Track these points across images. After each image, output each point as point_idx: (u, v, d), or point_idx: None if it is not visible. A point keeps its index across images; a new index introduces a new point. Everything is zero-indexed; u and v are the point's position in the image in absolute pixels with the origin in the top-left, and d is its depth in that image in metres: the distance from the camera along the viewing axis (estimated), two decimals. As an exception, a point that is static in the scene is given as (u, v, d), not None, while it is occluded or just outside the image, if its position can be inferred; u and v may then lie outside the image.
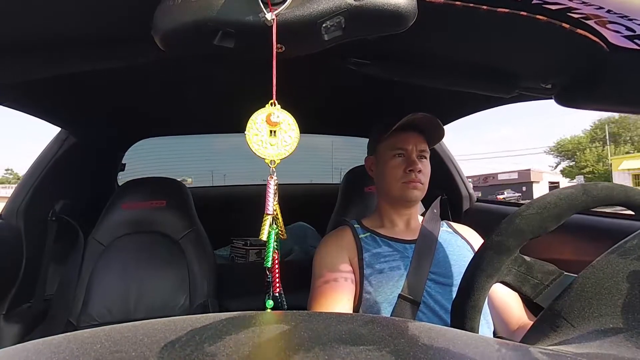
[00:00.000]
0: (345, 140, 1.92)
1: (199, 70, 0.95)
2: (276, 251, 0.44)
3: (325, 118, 1.42)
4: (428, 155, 0.93)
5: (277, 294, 0.46)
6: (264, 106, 0.45)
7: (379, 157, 0.95)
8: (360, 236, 0.90)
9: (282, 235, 0.45)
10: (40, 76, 0.69)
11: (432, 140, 0.94)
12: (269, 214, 0.42)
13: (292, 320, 0.31)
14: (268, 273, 0.44)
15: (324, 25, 0.43)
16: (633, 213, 0.50)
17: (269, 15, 0.40)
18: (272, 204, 0.43)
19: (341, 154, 2.06)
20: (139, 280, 1.15)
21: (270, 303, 0.44)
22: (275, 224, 0.44)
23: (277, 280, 0.45)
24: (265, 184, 0.43)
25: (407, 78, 0.83)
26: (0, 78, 0.68)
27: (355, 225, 0.94)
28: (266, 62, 0.43)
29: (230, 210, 1.84)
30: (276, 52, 0.43)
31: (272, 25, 0.41)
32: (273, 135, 0.44)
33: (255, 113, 0.44)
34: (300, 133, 0.44)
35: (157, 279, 1.16)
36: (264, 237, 0.42)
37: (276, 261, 0.45)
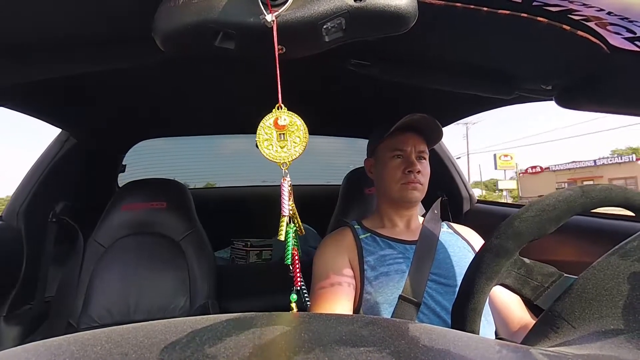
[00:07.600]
0: (346, 141, 1.92)
1: (200, 71, 0.95)
2: (295, 248, 0.46)
3: (326, 119, 1.43)
4: (427, 156, 0.93)
5: (298, 288, 0.48)
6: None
7: (378, 158, 0.95)
8: (360, 237, 0.90)
9: (301, 231, 0.47)
10: (41, 78, 0.69)
11: (431, 141, 0.94)
12: (285, 216, 0.44)
13: (292, 322, 0.31)
14: (291, 269, 0.46)
15: (324, 26, 0.43)
16: (634, 214, 0.50)
17: (269, 17, 0.40)
18: (287, 206, 0.44)
19: (343, 155, 2.06)
20: (139, 281, 1.15)
21: (294, 297, 0.46)
22: (293, 222, 0.45)
23: (299, 275, 0.47)
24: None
25: (407, 79, 0.83)
26: (2, 79, 0.69)
27: (356, 226, 0.94)
28: (265, 63, 0.44)
29: (230, 212, 1.84)
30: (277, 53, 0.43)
31: (272, 27, 0.41)
32: (282, 138, 0.44)
33: (264, 118, 0.45)
34: None
35: (157, 281, 1.16)
36: (282, 237, 0.43)
37: (296, 257, 0.46)
